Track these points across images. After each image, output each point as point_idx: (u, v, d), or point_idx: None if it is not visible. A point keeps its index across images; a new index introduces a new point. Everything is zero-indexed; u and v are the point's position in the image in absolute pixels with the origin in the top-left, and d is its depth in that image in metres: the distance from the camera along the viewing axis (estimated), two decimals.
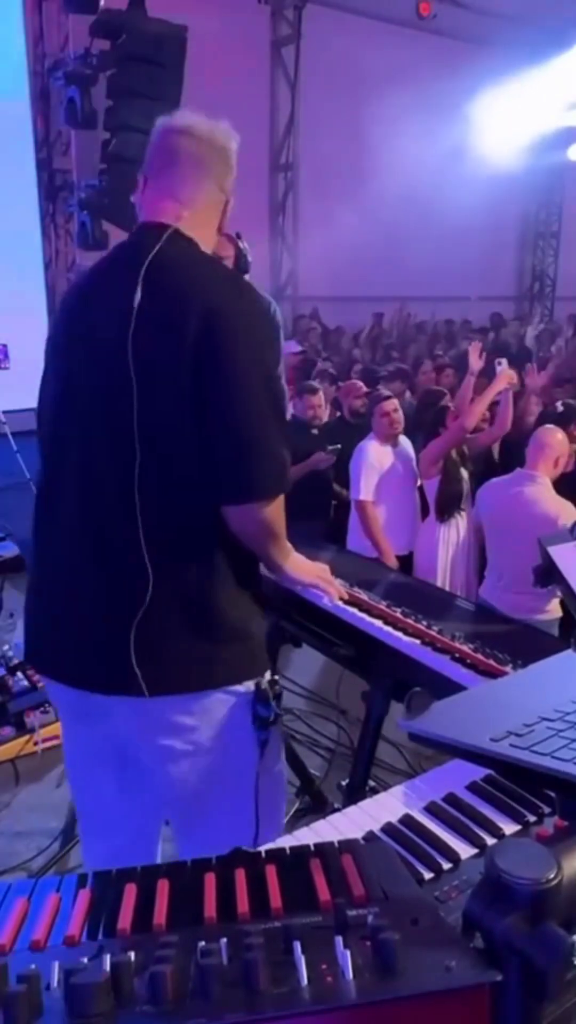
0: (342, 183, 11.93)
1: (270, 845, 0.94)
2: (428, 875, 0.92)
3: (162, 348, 1.48)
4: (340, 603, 1.91)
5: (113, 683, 1.55)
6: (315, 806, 2.71)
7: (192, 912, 0.77)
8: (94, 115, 7.09)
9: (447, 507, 4.32)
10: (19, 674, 3.72)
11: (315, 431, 4.99)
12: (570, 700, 0.93)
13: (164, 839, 1.88)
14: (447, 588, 4.04)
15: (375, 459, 4.41)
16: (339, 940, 0.67)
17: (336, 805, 2.28)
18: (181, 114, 1.67)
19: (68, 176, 8.79)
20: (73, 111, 7.08)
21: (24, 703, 3.57)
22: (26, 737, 3.46)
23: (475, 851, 0.97)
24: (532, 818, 1.01)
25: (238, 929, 0.71)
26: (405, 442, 4.60)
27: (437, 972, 0.64)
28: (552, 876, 0.67)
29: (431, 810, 1.05)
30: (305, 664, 3.32)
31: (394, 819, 1.04)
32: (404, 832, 1.00)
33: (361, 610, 1.90)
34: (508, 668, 1.58)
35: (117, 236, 6.52)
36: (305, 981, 0.64)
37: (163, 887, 0.81)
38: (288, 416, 5.14)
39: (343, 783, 2.25)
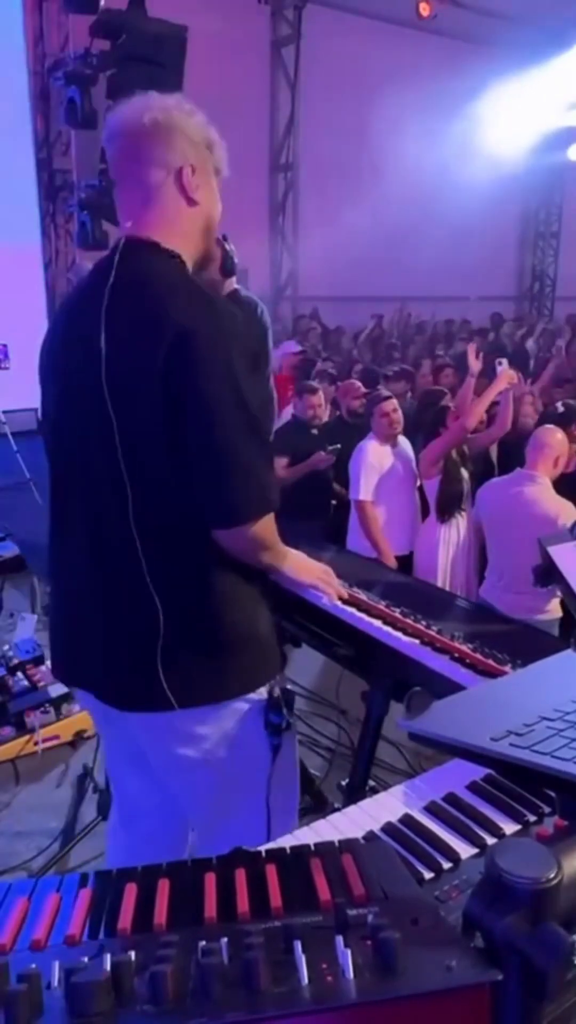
0: (342, 183, 11.95)
1: (270, 845, 0.95)
2: (428, 875, 0.92)
3: (135, 385, 1.47)
4: (339, 603, 1.91)
5: (137, 703, 1.59)
6: (315, 806, 2.70)
7: (193, 912, 0.77)
8: (94, 115, 7.07)
9: (447, 507, 4.32)
10: (19, 674, 3.72)
11: (315, 431, 4.99)
12: (570, 700, 0.93)
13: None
14: (447, 588, 4.04)
15: (375, 459, 4.41)
16: (339, 940, 0.67)
17: (336, 805, 2.28)
18: (113, 114, 1.61)
19: (68, 176, 8.80)
20: (73, 111, 7.07)
21: (24, 703, 3.57)
22: (26, 737, 3.47)
23: (475, 851, 0.97)
24: (532, 818, 1.01)
25: (238, 929, 0.71)
26: (404, 442, 4.60)
27: (437, 972, 0.64)
28: (552, 876, 0.67)
29: (431, 810, 1.05)
30: (305, 664, 3.32)
31: (394, 819, 1.03)
32: (404, 832, 1.00)
33: (360, 610, 1.89)
34: (508, 668, 1.58)
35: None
36: (305, 981, 0.64)
37: (164, 887, 0.81)
38: (288, 416, 5.16)
39: (343, 783, 2.25)
